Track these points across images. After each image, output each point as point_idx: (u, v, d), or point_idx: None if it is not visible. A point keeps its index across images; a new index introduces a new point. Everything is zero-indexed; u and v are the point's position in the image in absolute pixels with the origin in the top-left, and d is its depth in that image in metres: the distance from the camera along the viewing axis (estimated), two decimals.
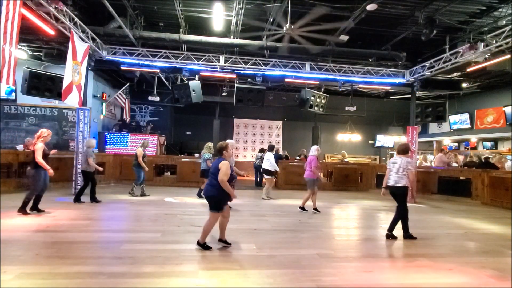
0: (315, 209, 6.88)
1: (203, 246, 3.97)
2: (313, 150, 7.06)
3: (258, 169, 10.55)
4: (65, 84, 6.85)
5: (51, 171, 5.47)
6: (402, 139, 15.95)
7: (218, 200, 3.93)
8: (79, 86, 7.36)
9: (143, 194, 8.05)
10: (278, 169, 8.80)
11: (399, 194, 4.81)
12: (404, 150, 4.96)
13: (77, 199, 6.79)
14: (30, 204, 5.55)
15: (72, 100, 7.13)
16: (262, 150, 11.08)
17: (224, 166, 3.86)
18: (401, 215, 4.84)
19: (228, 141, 4.51)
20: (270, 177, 8.73)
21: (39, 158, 5.32)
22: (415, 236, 4.87)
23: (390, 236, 4.85)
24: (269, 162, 8.61)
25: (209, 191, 3.97)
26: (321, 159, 14.97)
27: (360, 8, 7.27)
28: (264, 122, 16.87)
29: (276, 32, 7.71)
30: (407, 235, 4.84)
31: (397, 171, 4.77)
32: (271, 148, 9.02)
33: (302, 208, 6.98)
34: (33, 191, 5.48)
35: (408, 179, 4.73)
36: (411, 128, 9.47)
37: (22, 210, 5.40)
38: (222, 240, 4.19)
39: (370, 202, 8.65)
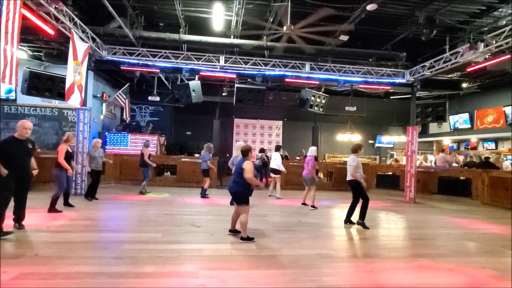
0: (313, 206, 7.17)
1: (248, 239, 4.39)
2: (312, 151, 7.38)
3: (258, 169, 10.55)
4: (67, 85, 6.85)
5: (70, 171, 5.80)
6: (402, 139, 15.95)
7: (244, 195, 4.42)
8: (80, 86, 7.38)
9: (143, 192, 8.32)
10: (283, 169, 8.71)
11: (352, 187, 5.68)
12: (353, 149, 5.81)
13: (88, 196, 7.16)
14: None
15: (74, 100, 7.15)
16: (262, 150, 11.08)
17: (248, 165, 4.35)
18: (364, 203, 5.65)
19: (242, 143, 4.77)
20: (277, 175, 8.79)
21: (60, 159, 5.71)
22: (415, 236, 5.14)
23: (350, 222, 5.69)
24: (275, 162, 8.68)
25: (235, 188, 4.45)
26: (321, 159, 15.00)
27: (360, 8, 7.27)
28: (264, 122, 16.86)
29: (276, 32, 7.70)
30: (361, 223, 5.52)
31: (348, 168, 5.67)
32: (277, 148, 9.15)
33: (304, 204, 7.37)
34: (59, 190, 5.83)
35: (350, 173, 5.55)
36: (411, 128, 9.46)
37: (52, 209, 5.70)
38: (232, 231, 4.68)
39: (370, 202, 8.60)
